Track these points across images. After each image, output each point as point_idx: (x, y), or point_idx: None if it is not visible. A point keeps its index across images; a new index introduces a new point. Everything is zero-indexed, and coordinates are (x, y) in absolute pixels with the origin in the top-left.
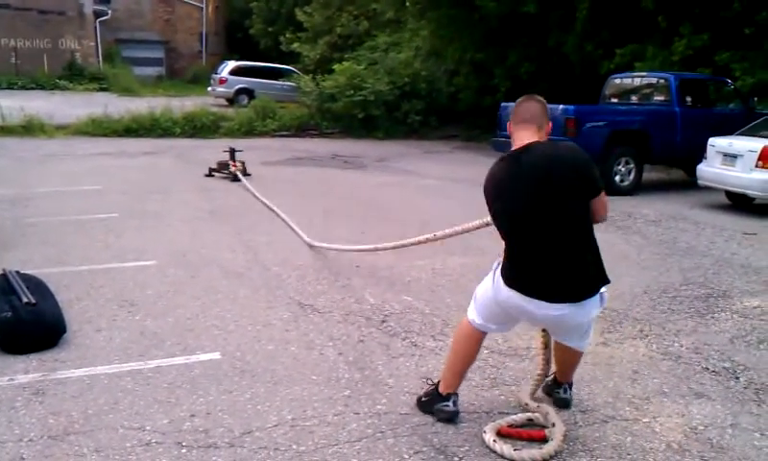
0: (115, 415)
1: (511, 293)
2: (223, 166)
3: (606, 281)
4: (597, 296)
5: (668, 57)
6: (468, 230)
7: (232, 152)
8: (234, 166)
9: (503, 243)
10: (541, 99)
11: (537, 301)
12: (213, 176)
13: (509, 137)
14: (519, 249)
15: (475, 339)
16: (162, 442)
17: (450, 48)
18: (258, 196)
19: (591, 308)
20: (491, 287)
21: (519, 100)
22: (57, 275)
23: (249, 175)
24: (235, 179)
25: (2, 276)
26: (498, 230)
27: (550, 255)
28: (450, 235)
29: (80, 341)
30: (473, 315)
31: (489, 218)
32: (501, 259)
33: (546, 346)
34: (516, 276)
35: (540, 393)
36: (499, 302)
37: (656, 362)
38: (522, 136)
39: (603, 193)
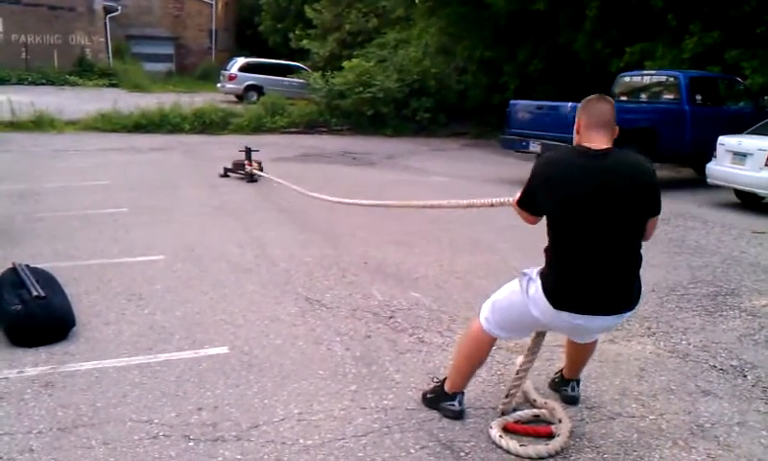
0: (123, 408)
1: (555, 312)
2: (238, 166)
3: (640, 296)
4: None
5: (678, 55)
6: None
7: (248, 151)
8: (250, 166)
9: (514, 237)
10: (611, 100)
11: (583, 315)
12: (228, 176)
13: (518, 135)
14: (571, 254)
15: (487, 344)
16: (170, 435)
17: (459, 45)
18: (283, 182)
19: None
20: (521, 303)
21: (593, 99)
22: (66, 269)
23: (266, 175)
24: (251, 179)
25: (12, 269)
26: (551, 225)
27: (604, 267)
28: (476, 206)
29: (89, 334)
30: (486, 321)
31: (509, 198)
32: (530, 275)
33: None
34: (568, 292)
35: (546, 389)
36: (535, 317)
37: (663, 360)
38: (596, 140)
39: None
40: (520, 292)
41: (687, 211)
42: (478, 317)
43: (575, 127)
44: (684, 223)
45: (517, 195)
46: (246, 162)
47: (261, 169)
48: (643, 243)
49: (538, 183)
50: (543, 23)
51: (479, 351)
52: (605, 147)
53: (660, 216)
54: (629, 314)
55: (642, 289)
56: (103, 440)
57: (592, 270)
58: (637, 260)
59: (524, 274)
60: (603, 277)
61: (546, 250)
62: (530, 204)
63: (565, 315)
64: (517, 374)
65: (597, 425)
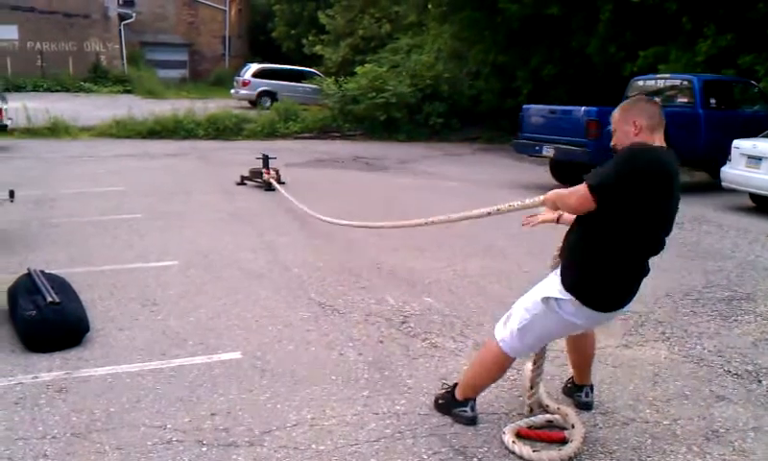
0: (137, 413)
1: (599, 315)
2: (256, 174)
3: None
4: None
5: (692, 58)
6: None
7: (266, 159)
8: (268, 174)
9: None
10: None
11: (613, 312)
12: (245, 184)
13: (531, 139)
14: (631, 253)
15: (506, 365)
16: (183, 440)
17: (472, 50)
18: (298, 204)
19: None
20: (557, 323)
21: (647, 101)
22: (81, 274)
23: (283, 183)
24: (269, 188)
25: (27, 275)
26: (625, 226)
27: (645, 262)
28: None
29: (103, 340)
30: (515, 349)
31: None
32: (559, 295)
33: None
34: (616, 295)
35: (560, 395)
36: (570, 325)
37: (677, 365)
38: (658, 141)
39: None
40: (550, 313)
41: (702, 215)
42: (495, 339)
43: (631, 128)
44: (698, 227)
45: (591, 177)
46: (263, 170)
47: (279, 177)
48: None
49: (635, 176)
50: (556, 27)
51: (499, 370)
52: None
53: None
54: None
55: (655, 291)
56: (116, 445)
57: (642, 265)
58: None
59: (547, 299)
60: (642, 271)
61: (588, 255)
62: (609, 193)
63: (601, 316)
64: (534, 363)
65: (611, 431)
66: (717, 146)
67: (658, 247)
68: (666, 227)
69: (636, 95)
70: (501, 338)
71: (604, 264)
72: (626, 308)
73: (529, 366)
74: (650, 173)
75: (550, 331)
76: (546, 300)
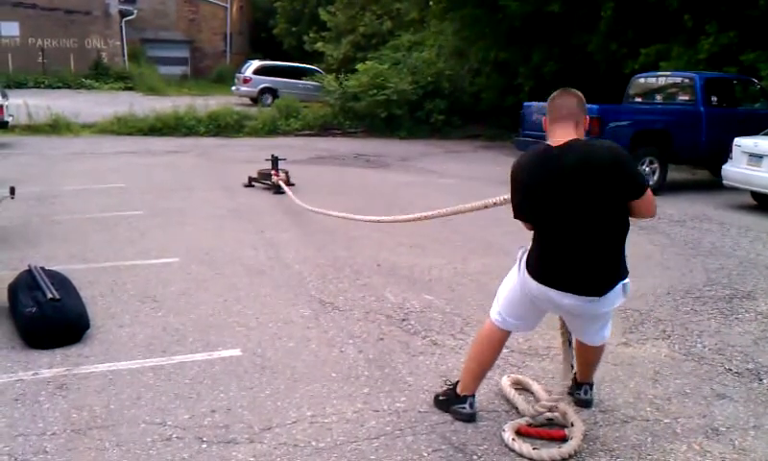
0: (137, 410)
1: (535, 284)
2: (264, 176)
3: (625, 276)
4: (619, 287)
5: (694, 56)
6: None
7: (275, 160)
8: (277, 176)
9: (527, 237)
10: (577, 92)
11: (562, 292)
12: (253, 186)
13: (532, 137)
14: (547, 241)
15: (497, 340)
16: (183, 437)
17: (474, 47)
18: (309, 207)
19: (615, 299)
20: (516, 279)
21: (555, 95)
22: (81, 271)
23: (293, 185)
24: (278, 190)
25: (27, 272)
26: (523, 220)
27: (577, 253)
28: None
29: (103, 336)
30: (495, 313)
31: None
32: (525, 249)
33: (567, 343)
34: (542, 268)
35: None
36: (525, 292)
37: (678, 363)
38: (560, 134)
39: (647, 192)
40: (516, 274)
41: (703, 213)
42: (489, 316)
43: (544, 127)
44: (699, 225)
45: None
46: (272, 172)
47: (288, 179)
48: (649, 222)
49: (513, 187)
50: (558, 25)
51: (491, 348)
52: (567, 140)
53: (645, 196)
54: (618, 293)
55: (656, 289)
56: (116, 442)
57: (566, 255)
58: (617, 243)
59: (521, 247)
60: (576, 260)
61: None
62: (517, 209)
63: (544, 289)
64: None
65: (611, 429)
66: (718, 144)
67: (559, 235)
68: (553, 214)
69: (634, 93)
70: (493, 310)
71: (533, 241)
72: (568, 298)
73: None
74: (513, 174)
75: (515, 295)
76: (519, 248)
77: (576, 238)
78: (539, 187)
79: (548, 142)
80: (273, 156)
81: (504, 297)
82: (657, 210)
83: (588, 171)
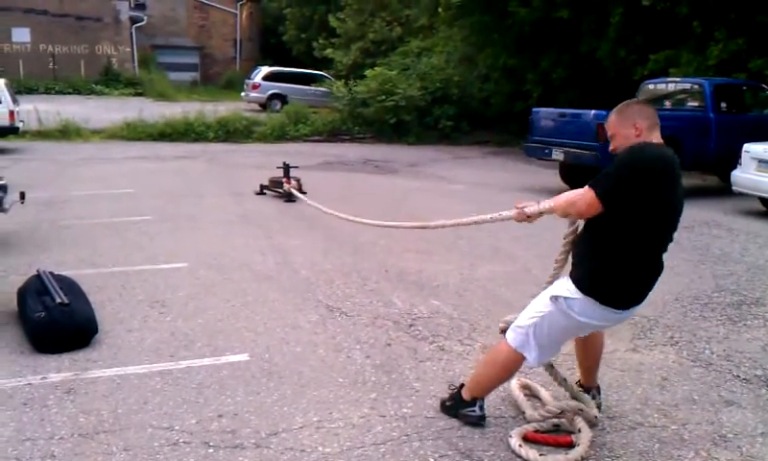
0: (144, 414)
1: (603, 310)
2: (276, 184)
3: None
4: None
5: (703, 62)
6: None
7: (287, 168)
8: (288, 183)
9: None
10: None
11: (629, 309)
12: (264, 194)
13: (541, 143)
14: (643, 250)
15: (518, 366)
16: (190, 442)
17: (482, 54)
18: (325, 209)
19: None
20: (565, 323)
21: (638, 102)
22: (90, 276)
23: (304, 193)
24: (289, 198)
25: (36, 276)
26: (634, 224)
27: (659, 261)
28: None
29: (111, 341)
30: (529, 351)
31: (504, 212)
32: (568, 294)
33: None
34: (626, 287)
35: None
36: (578, 325)
37: (686, 369)
38: (656, 139)
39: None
40: (558, 313)
41: (712, 219)
42: (506, 341)
43: (632, 131)
44: (708, 231)
45: (595, 183)
46: (284, 179)
47: (300, 187)
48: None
49: (638, 175)
50: (566, 31)
51: (508, 372)
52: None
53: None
54: None
55: (664, 295)
56: (123, 446)
57: (654, 261)
58: None
59: (556, 298)
60: (658, 266)
61: (599, 252)
62: (614, 196)
63: (626, 312)
64: (553, 375)
65: (618, 435)
66: (728, 150)
67: (666, 242)
68: (673, 221)
69: (640, 99)
70: (512, 339)
71: (616, 262)
72: (637, 307)
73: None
74: (651, 169)
75: (559, 331)
76: (555, 298)
77: (665, 246)
78: (674, 186)
79: (657, 142)
80: (284, 163)
81: (538, 334)
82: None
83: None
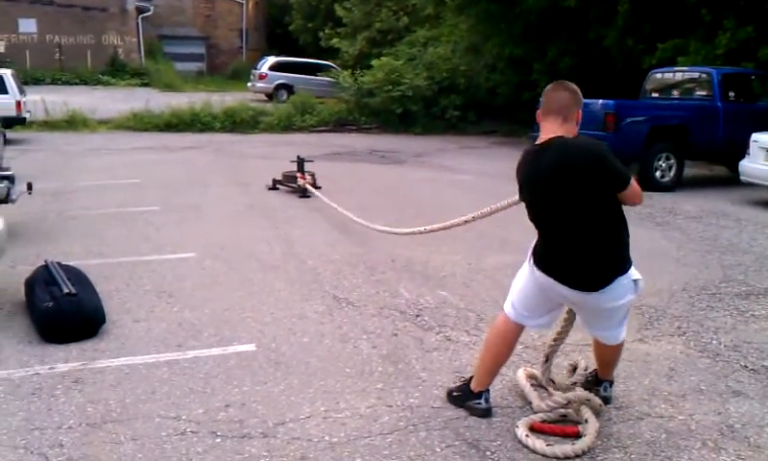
0: (152, 404)
1: (539, 272)
2: (289, 179)
3: (624, 271)
4: (623, 282)
5: (711, 51)
6: (498, 210)
7: (301, 162)
8: (303, 179)
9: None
10: (572, 87)
11: (560, 283)
12: (278, 189)
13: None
14: (543, 235)
15: (511, 334)
16: (197, 431)
17: (489, 43)
18: (341, 210)
19: (618, 295)
20: (528, 270)
21: (549, 88)
22: (97, 266)
23: (319, 188)
24: (304, 194)
25: (44, 267)
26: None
27: (569, 248)
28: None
29: (119, 331)
30: (509, 306)
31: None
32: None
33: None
34: (544, 258)
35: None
36: (535, 281)
37: (693, 360)
38: (547, 128)
39: (631, 182)
40: (528, 266)
41: (720, 209)
42: (503, 311)
43: (537, 120)
44: (716, 221)
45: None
46: (298, 174)
47: (315, 182)
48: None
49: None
50: (574, 20)
51: (505, 342)
52: (550, 137)
53: (630, 187)
54: (621, 289)
55: (671, 286)
56: (131, 435)
57: (559, 249)
58: (609, 235)
59: (529, 253)
60: (568, 254)
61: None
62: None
63: (551, 281)
64: (553, 341)
65: (625, 425)
66: (736, 140)
67: (549, 226)
68: (542, 213)
69: (651, 88)
70: (507, 303)
71: (538, 235)
72: (567, 292)
73: (552, 333)
74: (518, 175)
75: (527, 288)
76: (529, 251)
77: (566, 234)
78: (526, 186)
79: (537, 140)
80: (298, 157)
81: (517, 289)
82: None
83: (563, 172)
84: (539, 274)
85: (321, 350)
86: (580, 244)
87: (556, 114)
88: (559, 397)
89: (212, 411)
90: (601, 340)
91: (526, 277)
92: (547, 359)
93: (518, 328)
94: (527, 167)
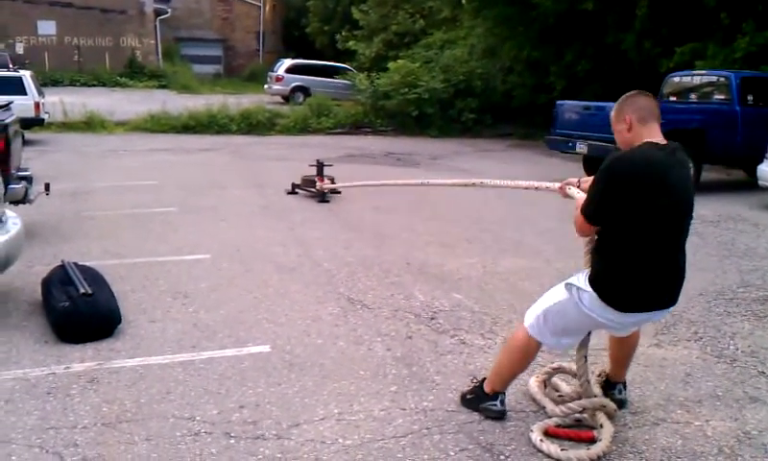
0: (166, 404)
1: (615, 314)
2: (308, 182)
3: None
4: None
5: (730, 55)
6: (519, 187)
7: (320, 166)
8: (322, 182)
9: (558, 236)
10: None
11: (651, 312)
12: (296, 193)
13: (564, 136)
14: (645, 256)
15: (533, 350)
16: (211, 432)
17: (506, 46)
18: (363, 184)
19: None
20: (576, 313)
21: (635, 95)
22: (113, 266)
23: (338, 192)
24: (323, 199)
25: (60, 267)
26: (623, 227)
27: (672, 260)
28: (500, 186)
29: (134, 331)
30: (541, 334)
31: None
32: (581, 285)
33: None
34: (634, 292)
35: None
36: (592, 323)
37: (710, 365)
38: (653, 134)
39: None
40: (571, 301)
41: (738, 214)
42: (523, 324)
43: (624, 125)
44: (734, 226)
45: (583, 205)
46: (317, 178)
47: (334, 186)
48: (689, 245)
49: (616, 186)
50: (591, 23)
51: (526, 357)
52: (663, 141)
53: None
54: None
55: (688, 291)
56: (146, 436)
57: (664, 266)
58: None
59: (570, 286)
60: (671, 270)
61: (605, 253)
62: (603, 212)
63: (631, 316)
64: (579, 369)
65: (640, 431)
66: (754, 144)
67: (669, 245)
68: (672, 224)
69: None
70: (529, 323)
71: (618, 264)
72: (657, 315)
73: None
74: (632, 176)
75: (570, 320)
76: (569, 287)
77: (676, 245)
78: (669, 186)
79: (650, 140)
80: (318, 161)
81: (554, 322)
82: None
83: (690, 170)
84: (613, 315)
85: (335, 352)
86: (682, 254)
87: (656, 120)
88: (573, 405)
89: (226, 412)
90: (625, 335)
91: (575, 316)
92: (580, 377)
93: (539, 345)
94: (666, 165)
